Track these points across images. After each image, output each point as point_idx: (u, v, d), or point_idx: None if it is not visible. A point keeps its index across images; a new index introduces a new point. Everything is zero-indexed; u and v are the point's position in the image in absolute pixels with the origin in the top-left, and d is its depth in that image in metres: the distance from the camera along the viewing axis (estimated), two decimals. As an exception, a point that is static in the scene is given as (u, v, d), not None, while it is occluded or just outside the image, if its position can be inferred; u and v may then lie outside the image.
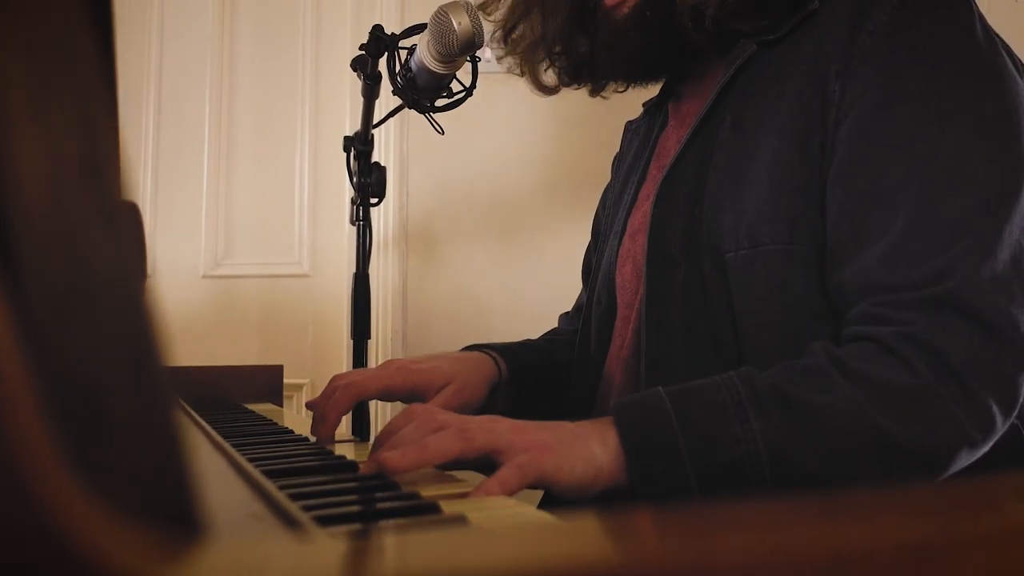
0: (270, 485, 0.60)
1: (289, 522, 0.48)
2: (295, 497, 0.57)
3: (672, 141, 1.01)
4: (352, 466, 0.73)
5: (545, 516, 0.53)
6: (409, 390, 0.95)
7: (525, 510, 0.56)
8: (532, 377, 1.09)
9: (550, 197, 2.12)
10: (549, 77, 1.12)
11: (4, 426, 0.16)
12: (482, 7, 1.12)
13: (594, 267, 1.11)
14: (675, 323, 0.86)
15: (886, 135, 0.77)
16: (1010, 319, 0.70)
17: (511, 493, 0.64)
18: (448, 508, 0.57)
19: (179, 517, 0.20)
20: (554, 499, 1.00)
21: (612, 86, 1.11)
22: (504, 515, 0.56)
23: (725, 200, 0.85)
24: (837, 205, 0.78)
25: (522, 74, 1.12)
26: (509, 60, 1.13)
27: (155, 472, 0.20)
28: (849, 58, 0.80)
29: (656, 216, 0.90)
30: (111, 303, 0.20)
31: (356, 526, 0.52)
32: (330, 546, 0.22)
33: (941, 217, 0.73)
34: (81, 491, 0.17)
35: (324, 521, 0.50)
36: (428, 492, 0.64)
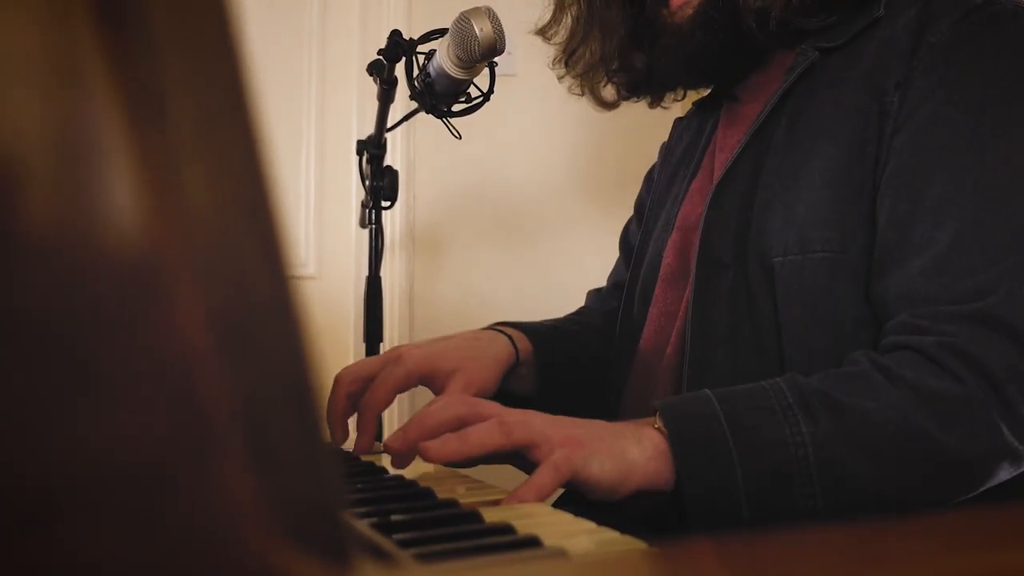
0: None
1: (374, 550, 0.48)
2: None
3: (726, 140, 1.01)
4: (423, 491, 0.71)
5: (647, 548, 0.53)
6: (416, 382, 0.92)
7: (623, 540, 0.55)
8: (565, 371, 1.06)
9: (558, 199, 2.12)
10: (608, 93, 1.14)
11: (217, 470, 0.16)
12: (542, 31, 1.14)
13: (637, 254, 1.11)
14: (720, 326, 0.86)
15: (937, 147, 0.78)
16: None
17: (547, 496, 0.64)
18: (489, 513, 0.57)
19: (339, 549, 0.21)
20: (576, 500, 1.01)
21: (671, 96, 1.13)
22: (558, 525, 0.56)
23: (776, 204, 0.85)
24: (885, 215, 0.79)
25: (582, 93, 1.14)
26: (569, 80, 1.14)
27: (319, 507, 0.20)
28: (909, 70, 0.80)
29: (709, 219, 0.90)
30: (273, 338, 0.20)
31: (445, 556, 0.50)
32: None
33: (987, 233, 0.74)
34: (283, 533, 0.17)
35: (406, 545, 0.49)
36: (465, 499, 0.63)
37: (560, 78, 1.16)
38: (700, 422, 0.70)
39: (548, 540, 0.52)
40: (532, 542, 0.53)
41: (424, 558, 0.47)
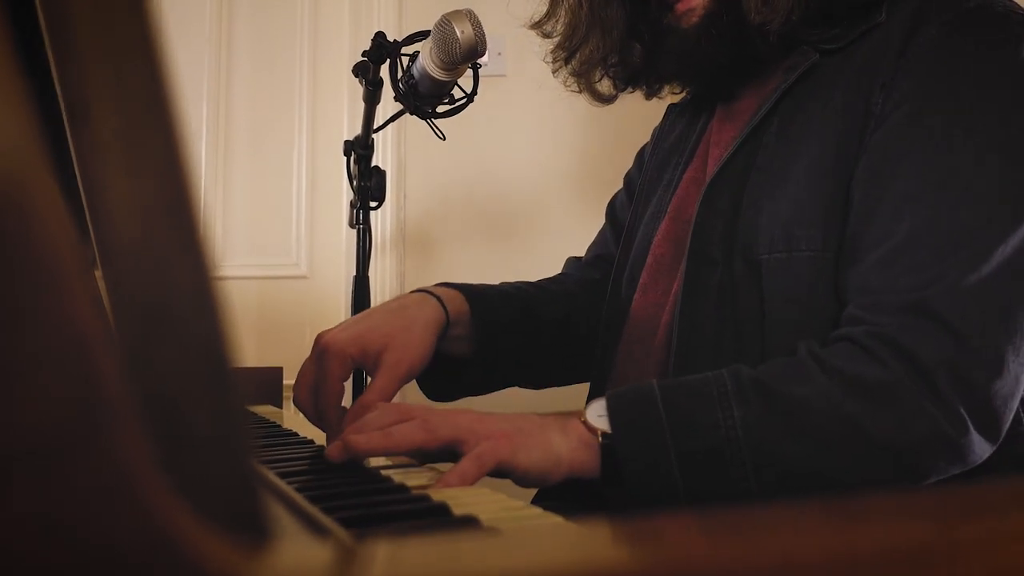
0: (288, 487, 0.62)
1: (313, 525, 0.50)
2: (312, 500, 0.58)
3: (721, 135, 1.01)
4: (364, 471, 0.74)
5: (557, 519, 0.55)
6: (352, 367, 0.89)
7: (545, 515, 0.57)
8: (504, 332, 1.04)
9: (547, 198, 2.14)
10: (604, 87, 1.12)
11: (112, 440, 0.18)
12: (538, 25, 1.12)
13: (625, 240, 1.10)
14: (707, 322, 0.88)
15: (908, 144, 0.79)
16: (981, 330, 0.72)
17: (470, 484, 0.68)
18: (458, 505, 0.59)
19: (251, 522, 0.22)
20: (549, 495, 1.03)
21: (667, 88, 1.12)
22: (510, 515, 0.58)
23: (763, 201, 0.87)
24: (853, 207, 0.81)
25: (580, 91, 1.13)
26: (563, 76, 1.12)
27: (230, 480, 0.22)
28: (895, 71, 0.81)
29: (701, 214, 0.91)
30: (191, 325, 0.22)
31: (374, 528, 0.53)
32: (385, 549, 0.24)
33: (943, 228, 0.75)
34: (177, 497, 0.18)
35: (346, 523, 0.52)
36: (424, 489, 0.66)
37: (555, 72, 1.14)
38: (639, 407, 0.74)
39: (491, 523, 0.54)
40: (442, 510, 0.55)
41: (345, 524, 0.50)
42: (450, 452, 0.72)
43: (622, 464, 0.72)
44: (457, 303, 0.99)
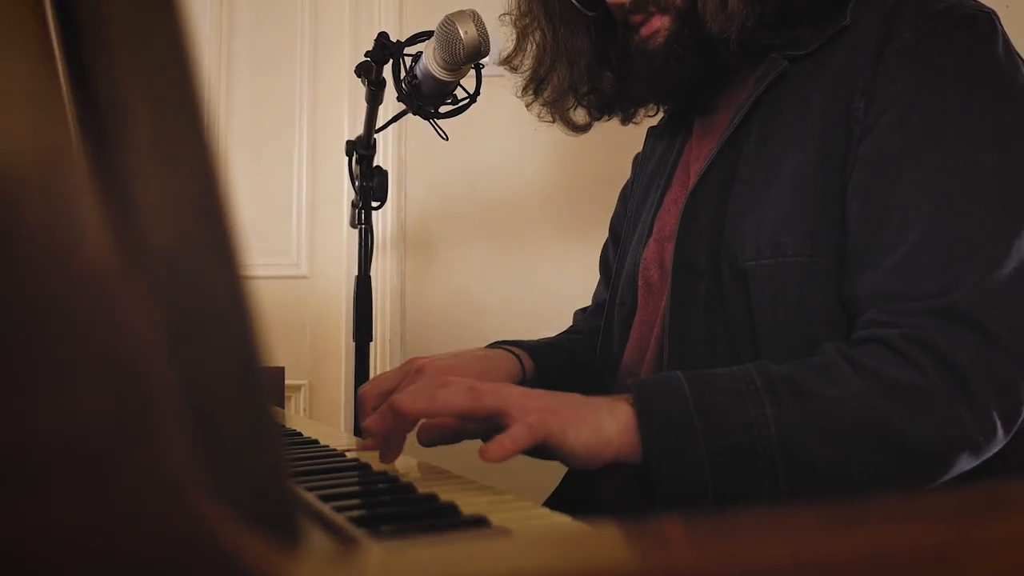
0: (297, 487, 0.62)
1: (324, 524, 0.50)
2: (320, 499, 0.59)
3: (698, 150, 1.03)
4: (370, 471, 0.74)
5: (566, 519, 0.55)
6: None
7: (552, 515, 0.58)
8: (557, 381, 1.08)
9: (548, 200, 2.14)
10: (578, 116, 1.15)
11: (159, 442, 0.18)
12: (507, 61, 1.15)
13: (616, 267, 1.13)
14: (697, 333, 0.88)
15: (901, 150, 0.80)
16: (1012, 330, 0.73)
17: (521, 449, 0.66)
18: (467, 505, 0.59)
19: (286, 523, 0.23)
20: (561, 499, 1.03)
21: (642, 112, 1.15)
22: (518, 516, 0.58)
23: (747, 210, 0.87)
24: (854, 217, 0.81)
25: (553, 121, 1.16)
26: (537, 108, 1.15)
27: (267, 481, 0.22)
28: (874, 75, 0.82)
29: (683, 227, 0.92)
30: (224, 328, 0.22)
31: (383, 527, 0.53)
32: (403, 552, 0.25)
33: (952, 231, 0.76)
34: (220, 500, 0.19)
35: (355, 523, 0.52)
36: (430, 488, 0.65)
37: (528, 106, 1.17)
38: (668, 402, 0.71)
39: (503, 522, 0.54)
40: (450, 511, 0.55)
41: (378, 536, 0.50)
42: (493, 427, 0.69)
43: (650, 461, 0.70)
44: (528, 362, 1.06)
